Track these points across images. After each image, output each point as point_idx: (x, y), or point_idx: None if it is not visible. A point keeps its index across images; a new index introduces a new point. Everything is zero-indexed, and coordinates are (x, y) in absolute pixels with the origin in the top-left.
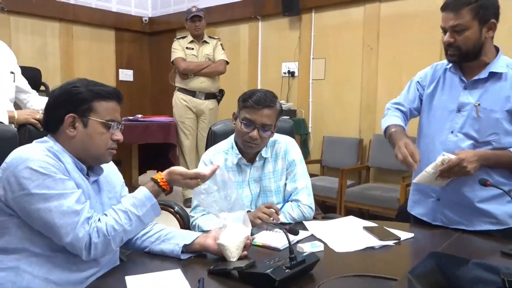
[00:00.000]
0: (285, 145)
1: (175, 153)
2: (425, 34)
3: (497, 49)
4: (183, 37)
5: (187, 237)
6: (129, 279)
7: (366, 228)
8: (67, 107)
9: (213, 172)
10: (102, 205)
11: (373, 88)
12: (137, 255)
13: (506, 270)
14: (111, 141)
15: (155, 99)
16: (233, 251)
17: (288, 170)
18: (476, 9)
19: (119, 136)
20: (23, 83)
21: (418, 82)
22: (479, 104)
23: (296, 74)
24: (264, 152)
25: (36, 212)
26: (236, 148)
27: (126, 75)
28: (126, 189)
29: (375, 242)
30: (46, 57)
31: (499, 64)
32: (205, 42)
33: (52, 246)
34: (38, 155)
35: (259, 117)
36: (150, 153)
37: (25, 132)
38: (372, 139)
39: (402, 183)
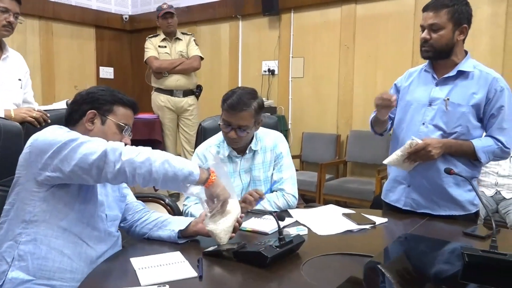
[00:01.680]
0: (274, 139)
1: (160, 149)
2: (398, 34)
3: (466, 52)
4: (155, 36)
5: (182, 223)
6: (134, 260)
7: (345, 214)
8: (91, 104)
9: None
10: (107, 196)
11: (350, 85)
12: (137, 241)
13: (465, 246)
14: None
15: (136, 96)
16: (222, 236)
17: (275, 162)
18: (453, 12)
19: (128, 141)
20: (29, 94)
21: (395, 84)
22: (448, 99)
23: (276, 72)
24: (254, 145)
25: (70, 151)
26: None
27: (107, 72)
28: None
29: (353, 226)
30: (26, 54)
31: (467, 64)
32: (178, 39)
33: (70, 221)
34: (58, 127)
35: (234, 119)
36: None
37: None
38: (349, 135)
39: (377, 176)
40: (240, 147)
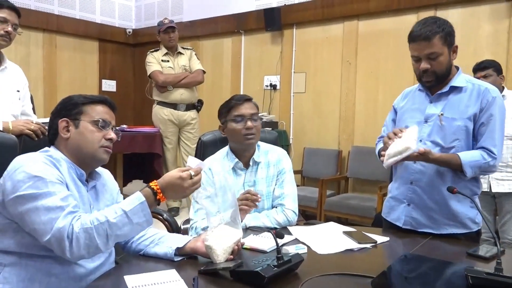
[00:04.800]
0: (278, 155)
1: (160, 162)
2: (399, 50)
3: (457, 68)
4: (156, 50)
5: (179, 240)
6: (128, 279)
7: (345, 232)
8: (61, 114)
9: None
10: (98, 210)
11: (352, 101)
12: (132, 258)
13: (469, 268)
14: (104, 140)
15: (137, 109)
16: (219, 254)
17: (278, 177)
18: (445, 37)
19: (112, 135)
20: (28, 107)
21: (393, 107)
22: (442, 114)
23: (277, 87)
24: (257, 157)
25: (25, 213)
26: (231, 153)
27: (109, 85)
28: (121, 196)
29: (353, 245)
30: (29, 67)
31: (459, 80)
32: (180, 53)
33: (50, 250)
34: (35, 161)
35: (244, 110)
36: (135, 163)
37: (20, 143)
38: (351, 151)
39: (379, 193)
40: (247, 156)
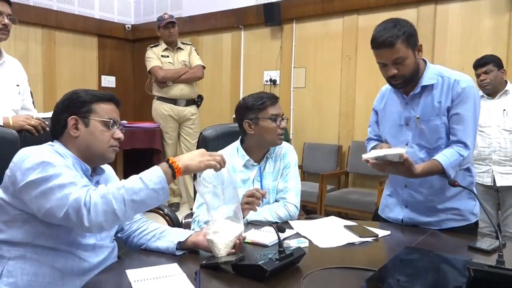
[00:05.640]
0: (285, 149)
1: (159, 158)
2: None
3: (425, 61)
4: (156, 45)
5: (181, 234)
6: (130, 272)
7: (346, 226)
8: (69, 111)
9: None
10: None
11: (352, 96)
12: (133, 252)
13: (471, 260)
14: (113, 139)
15: (137, 105)
16: (221, 248)
17: (282, 171)
18: (407, 39)
19: (120, 134)
20: (28, 101)
21: (373, 109)
22: (418, 118)
23: (277, 82)
24: (269, 153)
25: (39, 195)
26: (242, 150)
27: (109, 81)
28: None
29: (355, 238)
30: (28, 63)
31: (429, 76)
32: (180, 48)
33: (56, 240)
34: (41, 151)
35: (279, 109)
36: (135, 159)
37: (20, 138)
38: (351, 146)
39: (379, 187)
40: (259, 154)
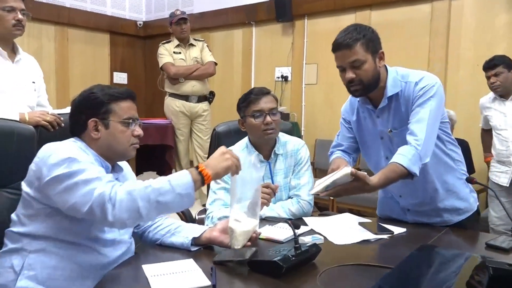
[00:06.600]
0: (296, 145)
1: (171, 154)
2: (413, 40)
3: (386, 69)
4: (168, 41)
5: (195, 230)
6: (146, 267)
7: (361, 223)
8: (88, 112)
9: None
10: None
11: None
12: (149, 247)
13: (490, 259)
14: (133, 137)
15: (148, 102)
16: (240, 238)
17: (294, 168)
18: (366, 43)
19: (139, 131)
20: (43, 98)
21: (343, 118)
22: (390, 131)
23: (289, 78)
24: (277, 149)
25: (64, 190)
26: (251, 146)
27: (120, 78)
28: None
29: (370, 235)
30: (41, 60)
31: (393, 85)
32: (192, 45)
33: (78, 235)
34: (66, 146)
35: (264, 104)
36: (147, 155)
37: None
38: None
39: None
40: (267, 149)
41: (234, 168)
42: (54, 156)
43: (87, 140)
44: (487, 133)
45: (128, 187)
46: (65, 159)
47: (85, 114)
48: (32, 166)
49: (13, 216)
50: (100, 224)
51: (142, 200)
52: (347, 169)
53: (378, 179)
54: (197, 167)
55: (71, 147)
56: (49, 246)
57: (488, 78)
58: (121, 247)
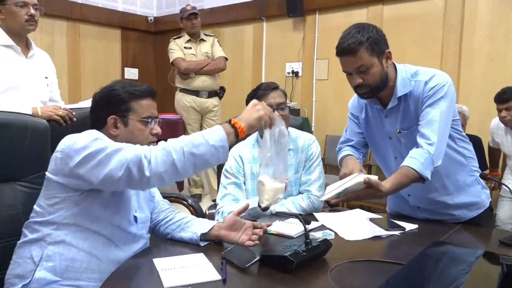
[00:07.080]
0: (307, 141)
1: None
2: (426, 35)
3: (394, 67)
4: (179, 37)
5: (205, 226)
6: (157, 261)
7: (372, 219)
8: (108, 109)
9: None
10: (138, 196)
11: None
12: (160, 241)
13: (504, 256)
14: (151, 135)
15: (159, 97)
16: (269, 195)
17: (305, 163)
18: (371, 46)
19: (157, 129)
20: (56, 93)
21: (351, 113)
22: (399, 132)
23: (300, 74)
24: (288, 144)
25: (96, 164)
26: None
27: (132, 73)
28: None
29: (381, 231)
30: (54, 55)
31: (402, 84)
32: (202, 40)
33: (100, 224)
34: (92, 132)
35: (272, 99)
36: None
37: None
38: None
39: None
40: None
41: (267, 119)
42: (80, 140)
43: (106, 135)
44: (494, 149)
45: (162, 144)
46: (92, 140)
47: (105, 111)
48: (57, 155)
49: (35, 207)
50: (138, 187)
51: (177, 153)
52: (360, 178)
53: (390, 185)
54: (229, 121)
55: (93, 131)
56: (70, 237)
57: (499, 110)
58: (139, 242)
